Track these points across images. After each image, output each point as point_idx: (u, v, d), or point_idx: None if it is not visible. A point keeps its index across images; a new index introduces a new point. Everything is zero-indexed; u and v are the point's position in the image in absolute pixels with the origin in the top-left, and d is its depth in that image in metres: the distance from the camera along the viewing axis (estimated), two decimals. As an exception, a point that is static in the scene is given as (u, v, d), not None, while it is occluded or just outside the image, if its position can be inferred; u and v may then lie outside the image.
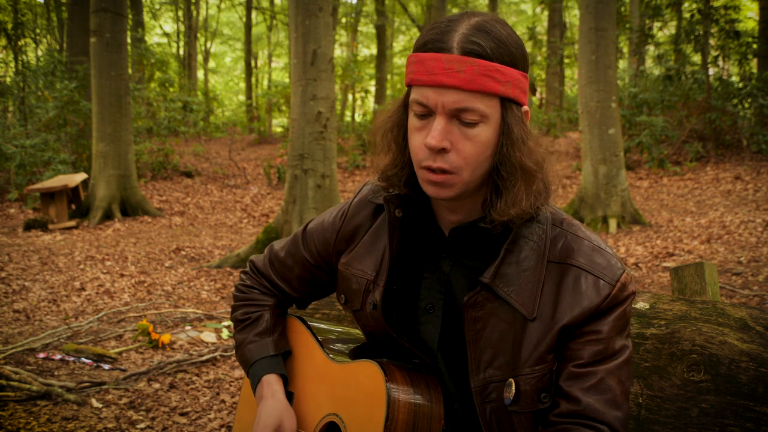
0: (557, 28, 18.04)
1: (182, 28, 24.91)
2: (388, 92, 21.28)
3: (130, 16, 17.14)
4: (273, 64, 30.47)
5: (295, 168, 7.38)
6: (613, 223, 8.19)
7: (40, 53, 21.64)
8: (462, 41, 1.13)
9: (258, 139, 18.98)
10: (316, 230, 1.48)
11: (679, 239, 7.20)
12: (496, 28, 1.15)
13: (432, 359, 1.30)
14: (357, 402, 1.29)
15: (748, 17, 19.21)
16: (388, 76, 24.75)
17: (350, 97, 24.97)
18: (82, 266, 6.94)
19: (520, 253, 1.21)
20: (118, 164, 10.50)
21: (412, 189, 1.28)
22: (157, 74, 17.99)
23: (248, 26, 22.97)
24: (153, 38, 27.32)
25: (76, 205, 10.54)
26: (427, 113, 1.16)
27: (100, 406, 3.46)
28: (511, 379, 1.19)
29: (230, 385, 3.88)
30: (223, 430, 3.29)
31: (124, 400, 3.56)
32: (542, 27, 20.47)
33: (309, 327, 1.52)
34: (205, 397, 3.69)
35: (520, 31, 21.06)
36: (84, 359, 4.19)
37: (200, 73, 26.82)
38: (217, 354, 4.32)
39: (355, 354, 1.46)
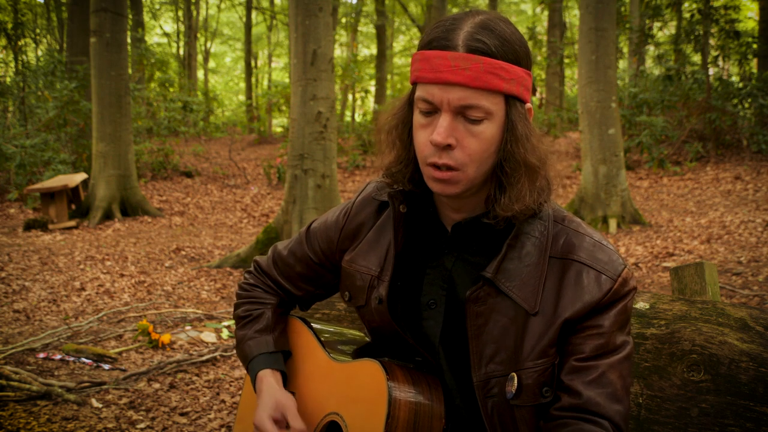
0: (557, 28, 18.04)
1: (182, 28, 24.91)
2: (388, 92, 21.29)
3: (130, 16, 17.14)
4: (273, 64, 30.48)
5: (295, 168, 7.38)
6: (613, 223, 8.19)
7: (40, 53, 21.64)
8: (467, 39, 1.14)
9: (258, 139, 18.98)
10: (320, 229, 1.49)
11: (679, 239, 7.20)
12: (501, 27, 1.17)
13: (434, 355, 1.31)
14: (358, 401, 1.29)
15: (748, 17, 19.21)
16: (388, 76, 24.76)
17: (350, 97, 24.98)
18: (82, 266, 6.94)
19: (522, 249, 1.23)
20: (118, 164, 10.50)
21: (416, 185, 1.29)
22: (157, 74, 17.99)
23: (248, 26, 22.97)
24: (153, 38, 27.32)
25: (76, 205, 10.54)
26: (433, 110, 1.18)
27: (100, 406, 3.46)
28: (514, 373, 1.20)
29: (230, 385, 3.88)
30: (223, 430, 3.29)
31: (124, 400, 3.56)
32: (542, 27, 20.47)
33: (311, 327, 1.52)
34: (205, 397, 3.69)
35: (520, 31, 21.00)
36: (84, 359, 4.19)
37: (200, 73, 26.83)
38: (217, 354, 4.32)
39: (357, 354, 1.46)
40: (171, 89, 18.68)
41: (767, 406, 1.43)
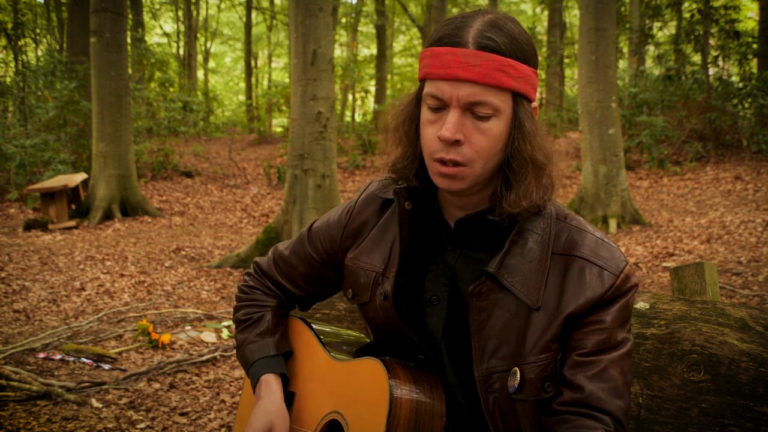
0: (557, 28, 18.04)
1: (182, 28, 24.91)
2: (388, 92, 21.28)
3: (130, 16, 17.14)
4: (273, 64, 30.47)
5: (295, 168, 7.38)
6: (613, 223, 8.19)
7: (40, 53, 21.63)
8: (477, 36, 1.16)
9: (258, 139, 18.97)
10: (322, 228, 1.50)
11: (679, 239, 7.20)
12: (509, 26, 1.19)
13: (436, 351, 1.31)
14: (359, 399, 1.29)
15: (748, 17, 19.20)
16: (388, 76, 24.75)
17: (350, 97, 24.97)
18: (82, 266, 6.94)
19: (525, 245, 1.24)
20: (118, 164, 10.50)
21: (421, 182, 1.31)
22: (157, 74, 17.98)
23: (248, 26, 22.96)
24: (153, 38, 27.32)
25: (76, 205, 10.54)
26: (441, 106, 1.19)
27: (100, 406, 3.46)
28: (516, 368, 1.20)
29: (230, 385, 3.88)
30: (223, 430, 3.29)
31: (124, 400, 3.56)
32: (542, 27, 20.47)
33: (311, 328, 1.52)
34: (205, 397, 3.69)
35: (520, 31, 20.98)
36: (84, 359, 4.19)
37: (200, 73, 26.82)
38: (217, 354, 4.32)
39: (358, 354, 1.46)
40: (171, 89, 18.68)
41: (767, 406, 1.43)
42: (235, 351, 4.41)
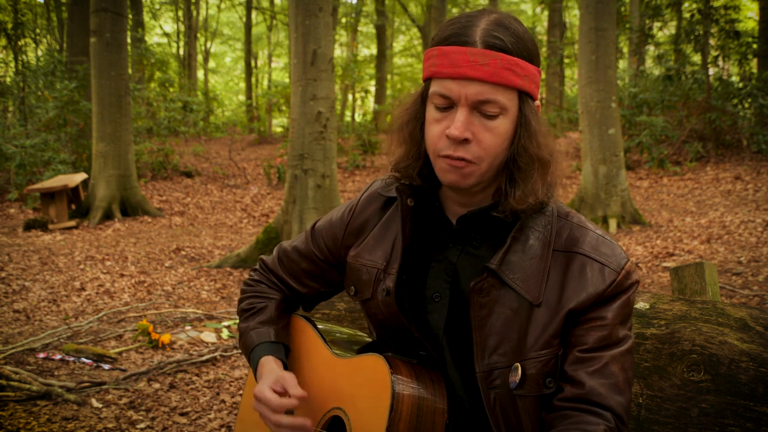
0: (557, 28, 18.04)
1: (182, 28, 24.91)
2: (388, 92, 21.27)
3: (130, 16, 17.14)
4: (273, 64, 30.47)
5: (295, 168, 7.38)
6: (613, 223, 8.19)
7: (40, 53, 21.63)
8: (484, 35, 1.17)
9: (258, 139, 18.97)
10: (325, 227, 1.51)
11: (679, 239, 7.20)
12: (514, 25, 1.21)
13: (438, 348, 1.32)
14: (361, 395, 1.30)
15: (748, 17, 19.20)
16: (388, 76, 24.75)
17: (350, 97, 24.97)
18: (82, 266, 6.94)
19: (526, 242, 1.25)
20: (118, 164, 10.50)
21: (425, 180, 1.32)
22: (157, 74, 17.98)
23: (248, 26, 22.96)
24: (153, 38, 27.31)
25: (76, 205, 10.54)
26: (449, 105, 1.20)
27: (100, 406, 3.46)
28: (517, 364, 1.21)
29: (230, 385, 3.88)
30: (223, 430, 3.29)
31: (124, 400, 3.56)
32: (542, 27, 20.47)
33: (314, 325, 1.53)
34: (205, 397, 3.69)
35: (520, 31, 20.98)
36: (84, 359, 4.19)
37: (200, 73, 26.82)
38: (217, 354, 4.32)
39: (361, 351, 1.46)
40: (171, 89, 18.68)
41: (767, 406, 1.43)
42: (236, 351, 4.41)
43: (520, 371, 1.21)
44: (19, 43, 17.49)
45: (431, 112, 1.23)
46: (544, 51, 17.69)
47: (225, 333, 4.87)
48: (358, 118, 23.48)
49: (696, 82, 12.30)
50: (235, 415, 3.43)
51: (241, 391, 3.77)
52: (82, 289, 6.14)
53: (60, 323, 5.11)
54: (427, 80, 1.24)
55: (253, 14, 24.26)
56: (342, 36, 25.64)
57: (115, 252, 7.67)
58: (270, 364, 1.43)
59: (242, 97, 29.23)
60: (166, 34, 27.25)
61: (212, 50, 29.12)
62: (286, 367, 1.47)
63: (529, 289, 1.22)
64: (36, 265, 6.91)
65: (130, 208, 10.54)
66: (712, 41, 13.08)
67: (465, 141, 1.19)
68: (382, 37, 21.08)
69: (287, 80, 20.98)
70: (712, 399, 1.49)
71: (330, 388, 1.39)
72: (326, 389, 1.40)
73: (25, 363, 4.08)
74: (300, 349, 1.52)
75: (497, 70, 1.16)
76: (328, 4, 7.48)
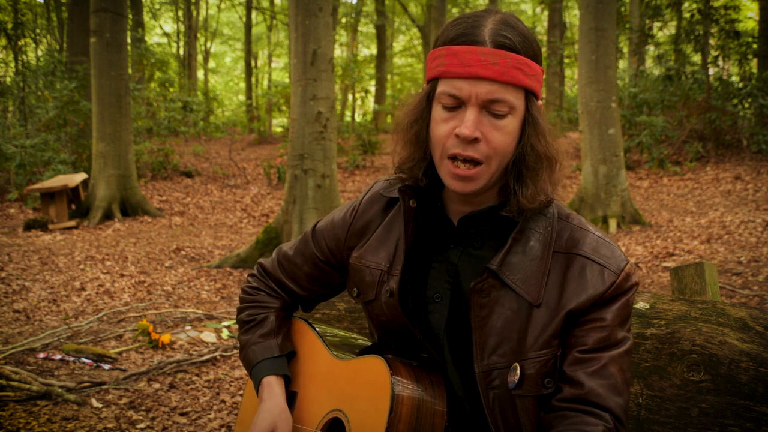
0: (557, 28, 18.04)
1: (182, 28, 24.90)
2: (388, 92, 21.26)
3: (130, 16, 17.13)
4: (273, 64, 30.47)
5: (295, 168, 7.38)
6: (613, 223, 8.19)
7: (40, 53, 21.63)
8: (494, 35, 1.18)
9: (258, 139, 18.97)
10: (327, 228, 1.50)
11: (679, 239, 7.20)
12: (519, 25, 1.22)
13: (438, 348, 1.32)
14: (361, 397, 1.30)
15: (748, 17, 19.20)
16: (388, 76, 24.75)
17: (350, 97, 24.97)
18: (82, 266, 6.94)
19: (526, 243, 1.25)
20: (118, 164, 10.50)
21: (429, 181, 1.32)
22: (157, 74, 17.97)
23: (248, 26, 22.96)
24: (153, 38, 27.31)
25: (76, 205, 10.54)
26: (457, 105, 1.20)
27: (100, 406, 3.46)
28: (516, 364, 1.21)
29: (230, 385, 3.88)
30: (223, 430, 3.29)
31: (124, 400, 3.56)
32: (542, 27, 20.47)
33: (314, 328, 1.52)
34: (205, 397, 3.69)
35: (520, 31, 20.98)
36: (84, 359, 4.19)
37: (200, 73, 26.82)
38: (217, 354, 4.32)
39: (361, 353, 1.46)
40: (171, 89, 18.67)
41: (767, 406, 1.43)
42: (236, 351, 4.41)
43: (518, 371, 1.21)
44: (19, 43, 17.49)
45: (438, 112, 1.23)
46: (544, 51, 17.67)
47: (225, 333, 4.87)
48: (358, 118, 23.48)
49: (696, 82, 12.30)
50: (235, 415, 3.43)
51: (241, 391, 3.77)
52: (82, 289, 6.14)
53: (60, 323, 5.11)
54: (433, 80, 1.24)
55: (253, 14, 24.26)
56: (342, 36, 25.64)
57: (115, 252, 7.67)
58: (273, 389, 1.43)
59: (242, 97, 29.23)
60: (166, 34, 27.24)
61: (212, 50, 29.12)
62: (288, 382, 1.47)
63: (529, 290, 1.22)
64: (36, 265, 6.91)
65: (130, 208, 10.54)
66: (712, 41, 13.08)
67: (474, 140, 1.19)
68: (382, 37, 21.08)
69: (287, 80, 20.97)
70: (712, 399, 1.49)
71: (330, 390, 1.39)
72: (326, 391, 1.40)
73: (25, 363, 4.08)
74: (300, 351, 1.52)
75: (507, 69, 1.16)
76: (328, 4, 7.48)
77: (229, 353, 4.39)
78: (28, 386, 3.46)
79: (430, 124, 1.25)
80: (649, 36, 14.12)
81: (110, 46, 10.28)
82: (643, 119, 11.93)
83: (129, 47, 14.20)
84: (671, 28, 16.38)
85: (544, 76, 1.29)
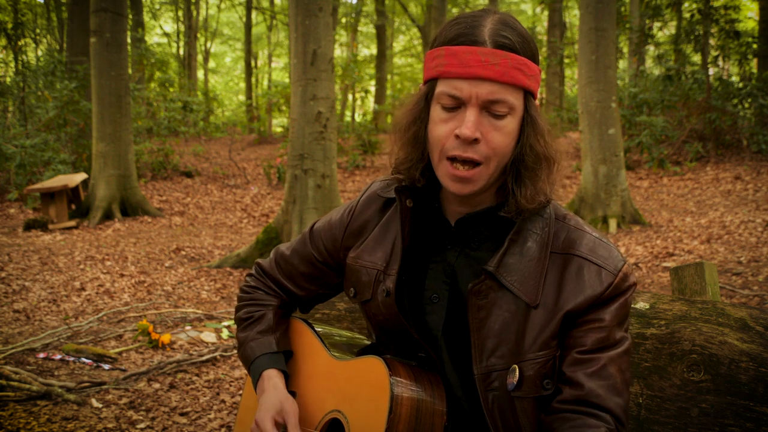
0: (557, 28, 18.04)
1: (182, 28, 24.90)
2: (388, 92, 21.26)
3: (130, 16, 17.13)
4: (273, 64, 30.46)
5: (295, 168, 7.38)
6: (613, 223, 8.19)
7: (40, 53, 21.63)
8: (493, 35, 1.17)
9: (258, 139, 18.97)
10: (324, 228, 1.50)
11: (679, 239, 7.20)
12: (517, 25, 1.22)
13: (436, 349, 1.32)
14: (360, 397, 1.30)
15: (748, 17, 19.20)
16: (388, 76, 24.74)
17: (350, 97, 24.97)
18: (82, 266, 6.94)
19: (524, 244, 1.25)
20: (118, 164, 10.50)
21: (427, 181, 1.32)
22: (157, 74, 17.97)
23: (248, 26, 22.96)
24: (153, 38, 27.30)
25: (76, 205, 10.54)
26: (457, 105, 1.20)
27: (100, 406, 3.46)
28: (515, 365, 1.21)
29: (230, 385, 3.88)
30: (223, 430, 3.29)
31: (124, 400, 3.56)
32: (542, 27, 20.46)
33: (313, 328, 1.52)
34: (205, 397, 3.69)
35: (520, 31, 20.99)
36: (84, 359, 4.19)
37: (200, 73, 26.82)
38: (217, 354, 4.31)
39: (360, 354, 1.46)
40: (171, 89, 18.67)
41: (767, 406, 1.43)
42: (235, 351, 4.41)
43: (517, 373, 1.21)
44: (19, 43, 17.48)
45: (437, 113, 1.22)
46: (544, 51, 17.68)
47: (225, 333, 4.87)
48: (358, 118, 23.47)
49: (696, 82, 12.30)
50: (235, 415, 3.43)
51: (240, 391, 3.77)
52: (82, 289, 6.14)
53: (60, 323, 5.11)
54: (431, 81, 1.23)
55: (253, 14, 24.26)
56: (342, 36, 25.63)
57: (115, 252, 7.67)
58: (273, 380, 1.43)
59: (242, 97, 29.22)
60: (166, 34, 27.24)
61: (212, 50, 29.12)
62: (287, 377, 1.47)
63: (527, 291, 1.22)
64: (36, 265, 6.91)
65: (130, 208, 10.54)
66: (712, 41, 13.08)
67: (474, 141, 1.18)
68: (382, 37, 21.08)
69: (287, 80, 20.97)
70: (712, 399, 1.49)
71: (329, 390, 1.39)
72: (325, 392, 1.40)
73: (25, 363, 4.08)
74: (299, 351, 1.52)
75: (507, 69, 1.16)
76: (328, 4, 7.48)
77: (229, 353, 4.39)
78: (28, 386, 3.46)
79: (429, 125, 1.25)
80: (649, 36, 14.12)
81: (110, 46, 10.28)
82: (643, 119, 11.93)
83: (129, 47, 14.20)
84: (671, 28, 16.38)
85: (543, 76, 1.28)
